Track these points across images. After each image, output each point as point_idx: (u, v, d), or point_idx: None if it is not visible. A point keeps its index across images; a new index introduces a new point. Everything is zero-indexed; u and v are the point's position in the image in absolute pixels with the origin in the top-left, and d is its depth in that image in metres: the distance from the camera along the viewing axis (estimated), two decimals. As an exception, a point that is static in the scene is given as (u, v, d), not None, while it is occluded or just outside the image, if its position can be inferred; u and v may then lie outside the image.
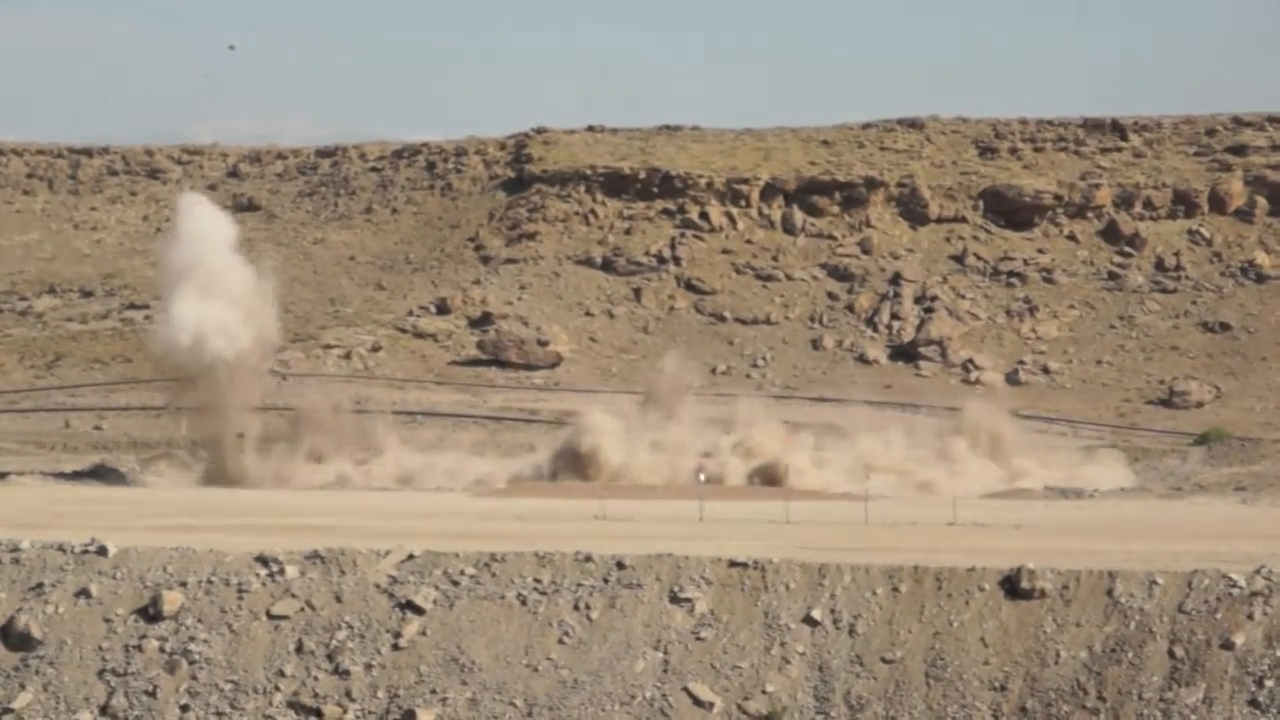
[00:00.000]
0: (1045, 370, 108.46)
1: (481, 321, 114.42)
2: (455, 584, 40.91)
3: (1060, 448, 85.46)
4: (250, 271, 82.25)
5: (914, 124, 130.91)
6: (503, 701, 39.02)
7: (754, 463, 75.83)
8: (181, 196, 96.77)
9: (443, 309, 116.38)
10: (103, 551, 42.42)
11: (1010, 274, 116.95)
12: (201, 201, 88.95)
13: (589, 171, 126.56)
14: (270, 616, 40.62)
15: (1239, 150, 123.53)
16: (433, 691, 39.19)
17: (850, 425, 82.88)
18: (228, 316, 78.94)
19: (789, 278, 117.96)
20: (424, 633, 40.08)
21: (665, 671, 39.25)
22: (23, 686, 39.88)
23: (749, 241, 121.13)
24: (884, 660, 39.02)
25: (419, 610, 40.35)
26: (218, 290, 79.24)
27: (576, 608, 40.31)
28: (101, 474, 78.09)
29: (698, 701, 38.89)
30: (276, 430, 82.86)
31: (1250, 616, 38.32)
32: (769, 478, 74.05)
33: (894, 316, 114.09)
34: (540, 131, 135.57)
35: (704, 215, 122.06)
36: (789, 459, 74.52)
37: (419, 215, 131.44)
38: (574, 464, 76.50)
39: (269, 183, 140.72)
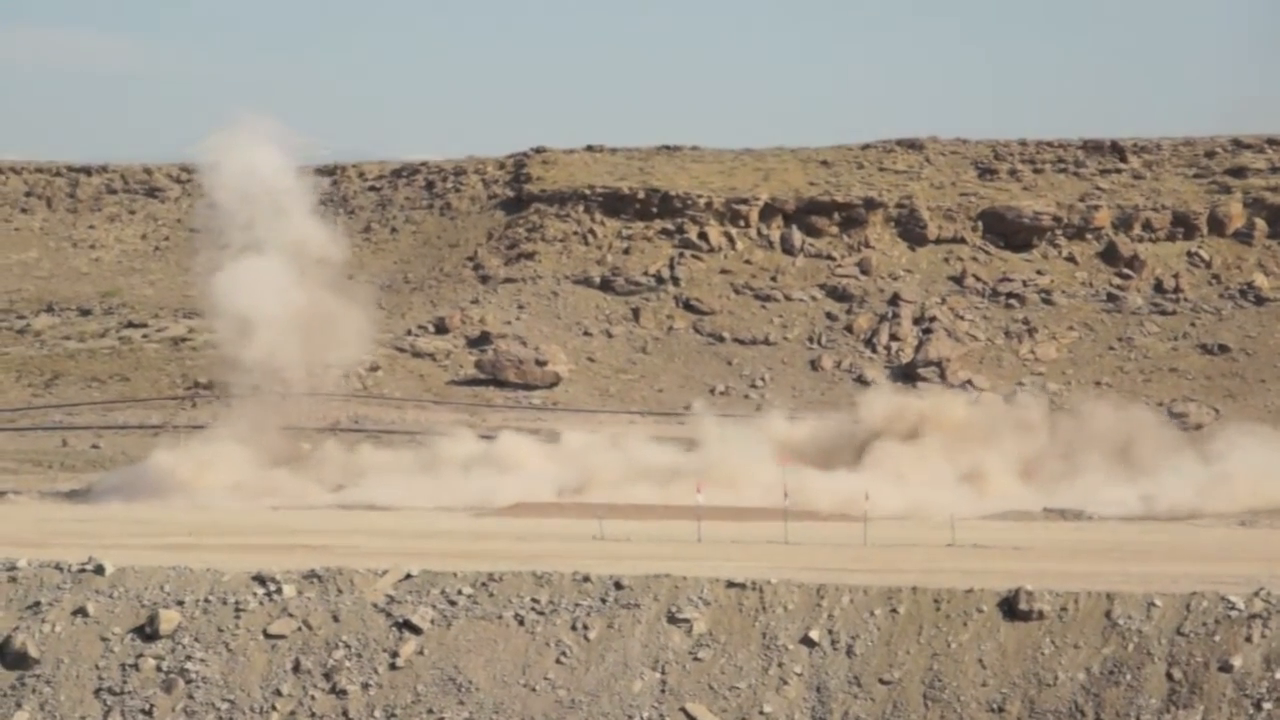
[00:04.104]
0: (1044, 391, 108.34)
1: (480, 341, 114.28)
2: (453, 604, 40.87)
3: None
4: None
5: (913, 145, 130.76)
6: (500, 721, 38.98)
7: None
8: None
9: (441, 328, 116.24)
10: (100, 570, 42.39)
11: (1009, 295, 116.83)
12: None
13: (588, 191, 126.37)
14: (267, 636, 40.59)
15: (1238, 172, 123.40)
16: (430, 711, 39.14)
17: None
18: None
19: (788, 298, 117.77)
20: (421, 652, 40.04)
21: (663, 692, 39.20)
22: (19, 705, 39.85)
23: (748, 262, 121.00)
24: (882, 681, 38.97)
25: (416, 630, 40.30)
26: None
27: (574, 628, 40.26)
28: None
29: (695, 722, 38.86)
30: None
31: (1249, 639, 38.26)
32: None
33: (893, 337, 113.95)
34: (539, 151, 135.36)
35: (703, 235, 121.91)
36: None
37: (417, 234, 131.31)
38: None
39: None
